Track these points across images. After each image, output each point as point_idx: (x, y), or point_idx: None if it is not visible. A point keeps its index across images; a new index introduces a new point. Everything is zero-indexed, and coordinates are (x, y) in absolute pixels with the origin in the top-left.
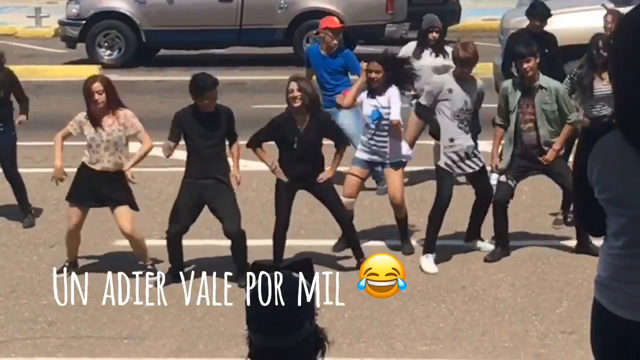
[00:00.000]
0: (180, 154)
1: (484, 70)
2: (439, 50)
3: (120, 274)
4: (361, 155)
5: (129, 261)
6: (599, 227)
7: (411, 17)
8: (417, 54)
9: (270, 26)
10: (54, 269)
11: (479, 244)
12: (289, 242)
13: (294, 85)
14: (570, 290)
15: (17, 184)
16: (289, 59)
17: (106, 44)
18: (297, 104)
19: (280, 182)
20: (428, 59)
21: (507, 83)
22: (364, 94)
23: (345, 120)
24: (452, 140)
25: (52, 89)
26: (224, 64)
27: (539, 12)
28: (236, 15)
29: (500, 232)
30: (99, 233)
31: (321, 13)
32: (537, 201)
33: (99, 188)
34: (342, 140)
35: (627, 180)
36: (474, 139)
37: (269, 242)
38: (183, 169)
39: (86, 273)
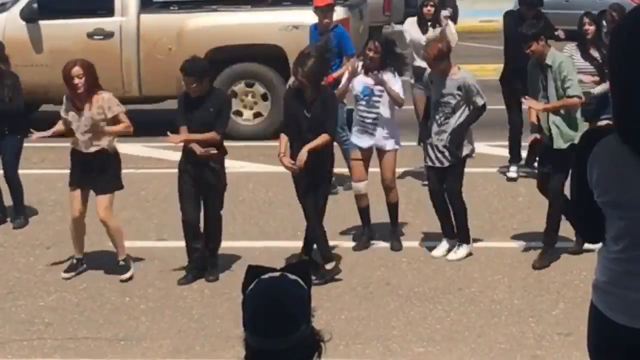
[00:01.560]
0: (175, 155)
1: (481, 72)
2: (436, 23)
3: (116, 275)
4: (356, 140)
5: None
6: (596, 233)
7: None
8: (417, 30)
9: None
10: (63, 272)
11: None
12: (284, 244)
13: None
14: (566, 292)
15: (15, 186)
16: None
17: None
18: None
19: (294, 179)
20: (429, 34)
21: (529, 65)
22: (360, 68)
23: None
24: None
25: None
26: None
27: (529, 1)
28: None
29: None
30: (95, 234)
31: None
32: (533, 202)
33: (88, 171)
34: (331, 126)
35: (627, 182)
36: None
37: (266, 243)
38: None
39: (82, 274)
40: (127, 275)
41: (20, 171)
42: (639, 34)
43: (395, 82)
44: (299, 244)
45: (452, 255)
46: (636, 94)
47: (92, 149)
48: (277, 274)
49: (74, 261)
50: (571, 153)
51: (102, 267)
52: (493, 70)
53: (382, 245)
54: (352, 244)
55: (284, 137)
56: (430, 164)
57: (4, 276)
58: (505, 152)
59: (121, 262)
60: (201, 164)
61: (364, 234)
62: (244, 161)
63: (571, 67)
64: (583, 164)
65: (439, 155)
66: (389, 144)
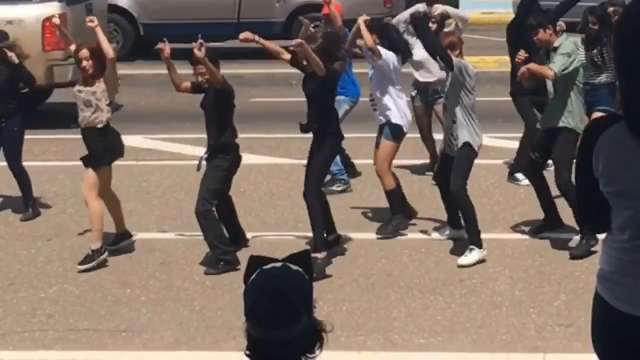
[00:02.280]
0: (177, 147)
1: (481, 64)
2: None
3: (117, 266)
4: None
5: (127, 254)
6: (601, 223)
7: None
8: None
9: (268, 19)
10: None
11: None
12: (286, 236)
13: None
14: (568, 283)
15: (20, 176)
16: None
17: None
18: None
19: None
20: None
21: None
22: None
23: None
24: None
25: None
26: (222, 57)
27: (538, 24)
28: (234, 9)
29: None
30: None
31: (319, 6)
32: (534, 194)
33: (85, 144)
34: None
35: (633, 172)
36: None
37: (267, 235)
38: (180, 162)
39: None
40: (84, 266)
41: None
42: None
43: (389, 54)
44: (300, 235)
45: (462, 260)
46: None
47: (88, 123)
48: (279, 264)
49: (90, 251)
50: (569, 137)
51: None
52: (494, 62)
53: (382, 236)
54: (355, 234)
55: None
56: (447, 152)
57: (5, 268)
58: (507, 144)
59: (89, 252)
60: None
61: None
62: (246, 153)
63: (570, 49)
64: (589, 153)
65: (450, 144)
66: (386, 130)
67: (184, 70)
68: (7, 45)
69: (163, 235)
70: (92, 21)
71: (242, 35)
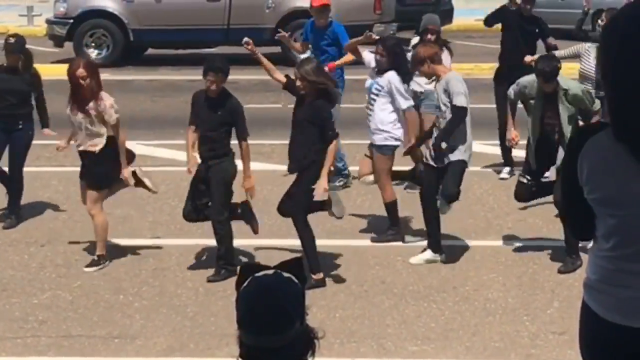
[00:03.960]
0: (170, 153)
1: (476, 71)
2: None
3: (111, 272)
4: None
5: (120, 260)
6: (586, 230)
7: (403, 17)
8: None
9: (258, 26)
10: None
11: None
12: (279, 242)
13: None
14: (561, 290)
15: (17, 182)
16: (277, 59)
17: (94, 43)
18: (302, 91)
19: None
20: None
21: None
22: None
23: None
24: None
25: None
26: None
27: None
28: (224, 15)
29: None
30: (90, 232)
31: (309, 13)
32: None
33: (85, 164)
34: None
35: (617, 180)
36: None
37: (264, 241)
38: (174, 168)
39: (76, 271)
40: (91, 269)
41: None
42: (632, 32)
43: (400, 89)
44: (293, 242)
45: (413, 259)
46: (630, 92)
47: (85, 148)
48: (271, 271)
49: (95, 257)
50: None
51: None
52: (489, 69)
53: (376, 244)
54: (349, 241)
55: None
56: (431, 163)
57: None
58: (498, 151)
59: (95, 257)
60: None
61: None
62: (240, 159)
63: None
64: (574, 160)
65: (437, 157)
66: (378, 139)
67: (169, 76)
68: (25, 52)
69: (156, 241)
70: None
71: (246, 39)
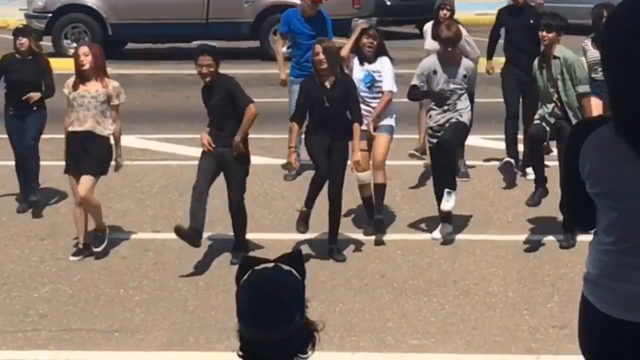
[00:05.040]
0: (171, 147)
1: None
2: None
3: (111, 266)
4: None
5: (121, 254)
6: (588, 222)
7: (404, 12)
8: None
9: (236, 20)
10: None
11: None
12: (279, 236)
13: (318, 48)
14: (561, 285)
15: (35, 159)
16: (256, 53)
17: (72, 37)
18: (323, 65)
19: (313, 140)
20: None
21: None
22: (355, 60)
23: None
24: (430, 116)
25: None
26: (191, 58)
27: None
28: (203, 9)
29: (536, 170)
30: (90, 225)
31: (287, 7)
32: (528, 195)
33: (78, 154)
34: (356, 115)
35: (619, 173)
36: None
37: (260, 235)
38: (174, 162)
39: (77, 265)
40: (100, 247)
41: (13, 163)
42: (633, 25)
43: (388, 72)
44: (293, 237)
45: (445, 205)
46: (631, 85)
47: (87, 128)
48: (271, 265)
49: (80, 246)
50: None
51: (96, 258)
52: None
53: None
54: (349, 235)
55: (295, 127)
56: (435, 142)
57: None
58: (500, 145)
59: (98, 234)
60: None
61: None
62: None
63: (581, 65)
64: (575, 154)
65: (442, 130)
66: (388, 120)
67: (170, 70)
68: (37, 42)
69: (157, 235)
70: None
71: None
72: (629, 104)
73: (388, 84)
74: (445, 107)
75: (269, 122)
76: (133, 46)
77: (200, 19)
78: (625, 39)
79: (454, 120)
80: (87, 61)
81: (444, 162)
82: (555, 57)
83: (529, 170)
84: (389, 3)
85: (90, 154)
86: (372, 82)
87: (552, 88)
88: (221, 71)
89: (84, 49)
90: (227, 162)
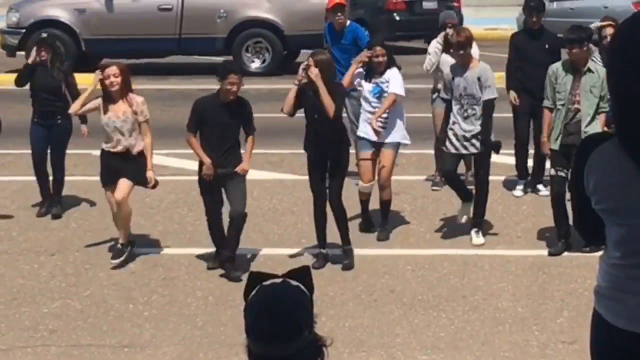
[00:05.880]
0: (180, 162)
1: None
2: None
3: (120, 282)
4: (363, 134)
5: (130, 269)
6: (598, 238)
7: (412, 27)
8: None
9: (209, 35)
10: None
11: (472, 234)
12: (289, 251)
13: (310, 61)
14: (571, 300)
15: (60, 171)
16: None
17: None
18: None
19: (310, 163)
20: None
21: (557, 65)
22: (360, 79)
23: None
24: (452, 123)
25: None
26: (164, 73)
27: (535, 7)
28: (176, 24)
29: (558, 225)
30: (100, 240)
31: (261, 22)
32: (538, 210)
33: (116, 165)
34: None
35: (624, 189)
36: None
37: (270, 250)
38: (183, 177)
39: (86, 281)
40: (117, 260)
41: (25, 178)
42: (636, 40)
43: (396, 78)
44: (303, 251)
45: (476, 240)
46: (636, 100)
47: (120, 148)
48: (279, 280)
49: (119, 246)
50: None
51: (106, 274)
52: (498, 78)
53: (386, 252)
54: (358, 250)
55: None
56: (453, 151)
57: (8, 283)
58: (510, 160)
59: (119, 245)
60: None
61: (364, 222)
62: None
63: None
64: (580, 171)
65: (465, 143)
66: (396, 136)
67: (179, 85)
68: (59, 51)
69: (166, 250)
70: None
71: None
72: (633, 120)
73: (394, 87)
74: (466, 114)
75: (277, 137)
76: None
77: (174, 34)
78: (630, 51)
79: (478, 144)
80: (117, 82)
81: (477, 200)
82: (590, 71)
83: (540, 186)
84: (397, 18)
85: (129, 168)
86: (380, 92)
87: (574, 101)
88: (250, 87)
89: (113, 70)
90: (226, 178)
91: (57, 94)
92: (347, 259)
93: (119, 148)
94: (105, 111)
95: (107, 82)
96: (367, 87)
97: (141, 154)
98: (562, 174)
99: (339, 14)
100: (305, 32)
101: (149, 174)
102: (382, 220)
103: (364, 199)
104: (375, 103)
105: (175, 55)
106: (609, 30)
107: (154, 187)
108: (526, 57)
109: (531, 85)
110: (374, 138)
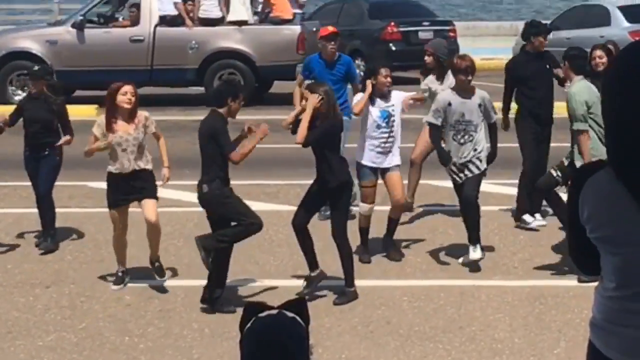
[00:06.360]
0: (176, 194)
1: None
2: (440, 75)
3: (116, 314)
4: (375, 163)
5: (126, 301)
6: (592, 267)
7: (409, 57)
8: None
9: (181, 66)
10: (112, 285)
11: (469, 249)
12: (285, 283)
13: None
14: (568, 330)
15: (48, 205)
16: (201, 99)
17: (18, 84)
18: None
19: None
20: (434, 84)
21: (586, 91)
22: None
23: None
24: (449, 151)
25: None
26: (141, 104)
27: (542, 30)
28: (147, 56)
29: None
30: (96, 273)
31: (232, 53)
32: (535, 241)
33: (130, 184)
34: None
35: (618, 219)
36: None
37: (266, 282)
38: (179, 209)
39: (82, 313)
40: (163, 278)
41: (20, 210)
42: (634, 67)
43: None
44: (299, 283)
45: (473, 255)
46: (631, 128)
47: (135, 167)
48: (275, 311)
49: (120, 273)
50: None
51: (101, 306)
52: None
53: (382, 283)
54: (356, 281)
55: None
56: (460, 181)
57: (3, 315)
58: (506, 190)
59: (157, 264)
60: None
61: (364, 252)
62: (245, 199)
63: (577, 100)
64: (575, 199)
65: (466, 170)
66: (397, 159)
67: (175, 116)
68: (51, 82)
69: (162, 282)
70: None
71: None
72: (627, 149)
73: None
74: (462, 141)
75: (274, 168)
76: (81, 93)
77: (145, 66)
78: (626, 79)
79: (474, 169)
80: (133, 100)
81: (469, 217)
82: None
83: (538, 215)
84: (393, 48)
85: (143, 184)
86: (388, 116)
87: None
88: (246, 117)
89: (130, 88)
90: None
91: (48, 128)
92: (343, 297)
93: (129, 168)
94: (115, 130)
95: (124, 98)
96: (375, 113)
97: (149, 171)
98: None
99: (332, 42)
100: (277, 63)
101: (165, 171)
102: (389, 240)
103: (364, 226)
104: (385, 129)
105: (147, 86)
106: (597, 53)
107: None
108: (534, 80)
109: (539, 109)
110: (382, 164)
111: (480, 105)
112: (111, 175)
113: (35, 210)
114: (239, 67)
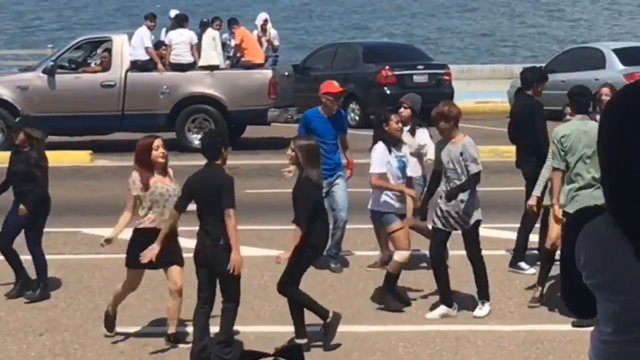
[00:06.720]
0: None
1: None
2: (412, 129)
3: None
4: (396, 209)
5: (119, 348)
6: (587, 311)
7: None
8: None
9: (152, 111)
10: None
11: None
12: (280, 329)
13: (292, 144)
14: None
15: (36, 254)
16: (172, 145)
17: None
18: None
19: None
20: (408, 138)
21: (569, 128)
22: (384, 152)
23: (339, 191)
24: (440, 198)
25: None
26: (107, 150)
27: (545, 75)
28: (118, 101)
29: None
30: (89, 320)
31: (203, 98)
32: (530, 285)
33: (150, 244)
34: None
35: (615, 265)
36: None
37: (261, 328)
38: None
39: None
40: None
41: None
42: (633, 110)
43: (427, 136)
44: (291, 329)
45: (478, 312)
46: (630, 173)
47: (157, 223)
48: (271, 358)
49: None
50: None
51: (95, 354)
52: (490, 152)
53: (378, 329)
54: (349, 327)
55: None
56: (440, 226)
57: None
58: (501, 234)
59: (171, 337)
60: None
61: (394, 299)
62: (240, 245)
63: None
64: (571, 245)
65: (450, 220)
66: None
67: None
68: (32, 134)
69: (156, 329)
70: None
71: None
72: (625, 192)
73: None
74: (448, 187)
75: (269, 213)
76: (54, 139)
77: (116, 111)
78: (624, 122)
79: (464, 224)
80: (165, 153)
81: (477, 272)
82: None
83: (523, 265)
84: (388, 92)
85: (173, 248)
86: (404, 166)
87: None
88: (241, 162)
89: (161, 142)
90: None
91: (29, 179)
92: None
93: (157, 223)
94: (148, 184)
95: (158, 153)
96: (394, 164)
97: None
98: None
99: (339, 101)
100: (249, 108)
101: None
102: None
103: (398, 273)
104: (402, 180)
105: (118, 132)
106: (604, 90)
107: None
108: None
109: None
110: (401, 211)
111: (461, 154)
112: (139, 231)
113: (26, 257)
114: (210, 112)
